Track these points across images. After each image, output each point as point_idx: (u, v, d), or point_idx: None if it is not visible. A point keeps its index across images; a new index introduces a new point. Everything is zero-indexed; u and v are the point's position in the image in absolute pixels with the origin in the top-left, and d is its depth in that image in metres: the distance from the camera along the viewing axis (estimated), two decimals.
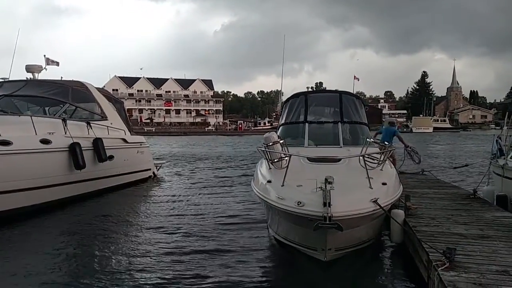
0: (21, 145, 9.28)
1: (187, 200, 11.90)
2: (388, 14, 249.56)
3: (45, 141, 10.03)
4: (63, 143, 10.58)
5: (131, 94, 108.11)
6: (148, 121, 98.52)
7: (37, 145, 9.78)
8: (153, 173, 16.51)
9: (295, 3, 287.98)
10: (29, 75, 13.44)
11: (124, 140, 14.07)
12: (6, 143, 8.97)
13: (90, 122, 12.34)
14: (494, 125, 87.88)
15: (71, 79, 13.57)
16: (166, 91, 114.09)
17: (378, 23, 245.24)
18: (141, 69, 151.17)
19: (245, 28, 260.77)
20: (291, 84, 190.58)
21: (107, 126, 13.23)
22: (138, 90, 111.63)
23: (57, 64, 14.83)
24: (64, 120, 11.06)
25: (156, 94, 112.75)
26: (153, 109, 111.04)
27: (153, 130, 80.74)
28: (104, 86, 67.20)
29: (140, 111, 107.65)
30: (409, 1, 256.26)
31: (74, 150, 10.68)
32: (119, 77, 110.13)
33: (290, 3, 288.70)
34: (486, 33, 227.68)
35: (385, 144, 7.70)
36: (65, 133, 10.83)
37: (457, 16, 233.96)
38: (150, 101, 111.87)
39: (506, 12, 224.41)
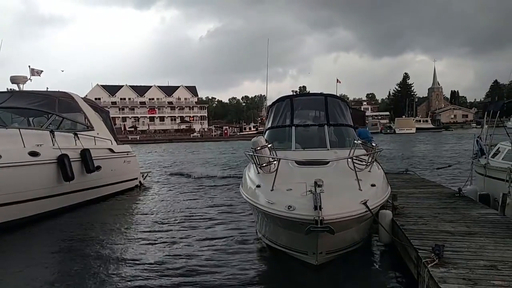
0: (10, 158, 9.21)
1: (174, 208, 11.89)
2: (372, 18, 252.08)
3: (33, 154, 9.97)
4: (52, 155, 10.52)
5: (114, 103, 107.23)
6: (132, 129, 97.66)
7: (26, 158, 9.71)
8: (140, 182, 16.48)
9: (280, 9, 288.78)
10: (14, 86, 13.35)
11: (111, 150, 14.04)
12: None
13: (77, 133, 12.29)
14: (475, 124, 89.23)
15: (57, 90, 13.51)
16: (149, 99, 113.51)
17: (362, 27, 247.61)
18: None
19: (230, 34, 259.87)
20: (276, 88, 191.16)
21: (94, 137, 13.20)
22: (121, 98, 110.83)
23: (39, 73, 14.70)
24: (52, 132, 10.99)
25: (140, 102, 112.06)
26: (137, 117, 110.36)
27: (138, 138, 79.77)
28: (87, 95, 66.60)
29: (124, 119, 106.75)
30: (392, 4, 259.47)
31: (62, 161, 10.63)
32: (102, 85, 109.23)
33: (275, 8, 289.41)
34: (467, 34, 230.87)
35: (372, 146, 7.83)
36: (53, 145, 10.77)
37: (439, 17, 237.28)
38: (133, 109, 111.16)
39: (488, 11, 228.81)
